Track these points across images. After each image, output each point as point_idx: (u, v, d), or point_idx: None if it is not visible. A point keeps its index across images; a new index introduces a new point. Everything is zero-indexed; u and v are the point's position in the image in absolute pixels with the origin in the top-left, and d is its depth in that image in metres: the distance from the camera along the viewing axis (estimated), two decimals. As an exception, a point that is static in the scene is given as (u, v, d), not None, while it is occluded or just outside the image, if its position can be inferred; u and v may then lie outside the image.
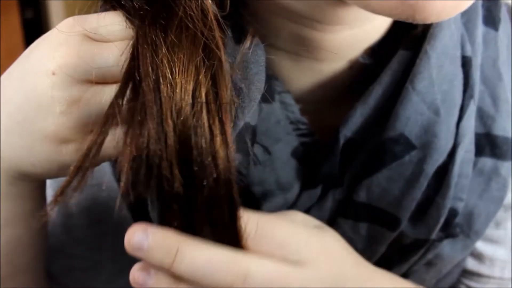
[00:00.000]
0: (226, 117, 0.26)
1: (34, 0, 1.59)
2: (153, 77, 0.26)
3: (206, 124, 0.26)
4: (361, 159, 0.34)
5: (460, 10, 0.24)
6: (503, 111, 0.35)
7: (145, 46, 0.26)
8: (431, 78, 0.32)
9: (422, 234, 0.34)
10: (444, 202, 0.33)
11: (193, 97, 0.26)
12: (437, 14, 0.23)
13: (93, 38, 0.28)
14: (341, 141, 0.33)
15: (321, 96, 0.35)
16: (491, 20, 0.35)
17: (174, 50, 0.26)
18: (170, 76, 0.26)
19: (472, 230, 0.36)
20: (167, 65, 0.26)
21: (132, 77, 0.26)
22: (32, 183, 0.31)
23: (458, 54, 0.33)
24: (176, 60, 0.26)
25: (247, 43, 0.30)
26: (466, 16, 0.34)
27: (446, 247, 0.36)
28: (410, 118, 0.32)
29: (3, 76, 0.30)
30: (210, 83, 0.27)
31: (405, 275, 0.38)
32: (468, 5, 0.24)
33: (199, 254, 0.26)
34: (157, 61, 0.26)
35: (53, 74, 0.27)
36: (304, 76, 0.34)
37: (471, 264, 0.40)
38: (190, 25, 0.27)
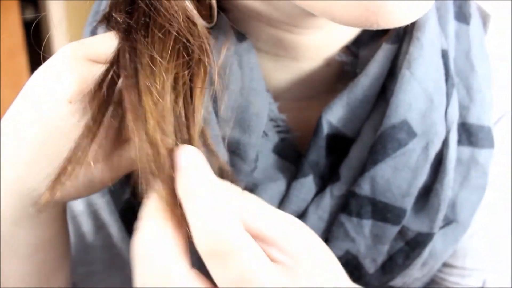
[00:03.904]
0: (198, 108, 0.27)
1: (34, 0, 1.60)
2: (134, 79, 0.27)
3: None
4: (357, 152, 0.34)
5: (422, 13, 0.25)
6: (477, 100, 0.35)
7: (127, 49, 0.27)
8: (426, 65, 0.33)
9: (425, 226, 0.34)
10: (443, 189, 0.34)
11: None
12: (400, 18, 0.24)
13: (96, 61, 0.29)
14: (324, 126, 0.34)
15: (300, 94, 0.36)
16: (462, 16, 0.36)
17: (154, 53, 0.27)
18: (150, 75, 0.26)
19: (459, 220, 0.36)
20: (147, 65, 0.27)
21: (115, 68, 0.27)
22: (57, 207, 0.32)
23: (439, 46, 0.34)
24: (157, 61, 0.27)
25: (226, 45, 0.30)
26: (438, 13, 0.35)
27: (438, 242, 0.36)
28: (411, 104, 0.32)
29: (9, 111, 0.30)
30: (188, 84, 0.27)
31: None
32: (429, 7, 0.25)
33: None
34: (138, 61, 0.27)
35: (70, 102, 0.28)
36: (283, 74, 0.35)
37: None
38: (173, 31, 0.27)
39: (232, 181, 0.29)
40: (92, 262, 0.41)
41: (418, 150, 0.33)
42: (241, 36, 0.32)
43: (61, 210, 0.33)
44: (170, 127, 0.26)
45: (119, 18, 0.29)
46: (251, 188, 0.34)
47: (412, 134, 0.32)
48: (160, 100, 0.26)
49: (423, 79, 0.33)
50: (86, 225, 0.41)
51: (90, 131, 0.27)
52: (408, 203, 0.33)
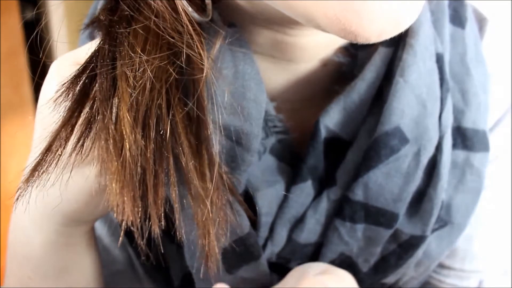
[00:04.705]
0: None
1: (34, 0, 1.59)
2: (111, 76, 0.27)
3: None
4: (353, 156, 0.34)
5: (400, 30, 0.25)
6: (472, 104, 0.36)
7: (107, 41, 0.28)
8: (419, 71, 0.33)
9: (418, 229, 0.35)
10: (436, 193, 0.34)
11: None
12: (377, 35, 0.24)
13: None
14: (322, 130, 0.34)
15: (296, 94, 0.36)
16: (458, 19, 0.36)
17: (136, 44, 0.27)
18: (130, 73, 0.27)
19: (454, 222, 0.36)
20: (126, 54, 0.27)
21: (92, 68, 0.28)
22: (79, 228, 0.33)
23: (433, 50, 0.34)
24: (137, 52, 0.27)
25: (217, 46, 0.30)
26: (434, 16, 0.35)
27: (433, 244, 0.36)
28: (404, 111, 0.33)
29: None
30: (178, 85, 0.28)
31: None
32: (408, 24, 0.25)
33: None
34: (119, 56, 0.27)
35: (54, 101, 0.28)
36: (279, 76, 0.35)
37: None
38: (154, 27, 0.27)
39: (231, 181, 0.29)
40: (112, 263, 0.42)
41: (410, 156, 0.33)
42: (233, 27, 0.32)
43: (85, 231, 0.33)
44: (144, 120, 0.26)
45: (102, 17, 0.29)
46: (251, 193, 0.34)
47: (404, 140, 0.33)
48: (137, 85, 0.26)
49: (416, 85, 0.33)
50: (101, 230, 0.41)
51: (67, 123, 0.28)
52: (401, 208, 0.34)
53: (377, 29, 0.24)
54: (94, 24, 0.31)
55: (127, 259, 0.41)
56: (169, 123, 0.26)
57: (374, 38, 0.24)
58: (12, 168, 1.44)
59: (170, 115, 0.27)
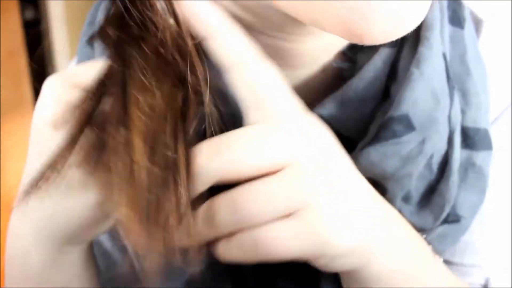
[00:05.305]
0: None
1: (34, 0, 1.59)
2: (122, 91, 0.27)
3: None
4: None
5: (406, 31, 0.25)
6: (473, 103, 0.36)
7: (117, 62, 0.28)
8: (434, 65, 0.33)
9: (428, 223, 0.35)
10: (448, 188, 0.34)
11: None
12: (384, 37, 0.24)
13: (79, 87, 0.29)
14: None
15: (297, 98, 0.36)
16: (457, 20, 0.37)
17: (147, 68, 0.27)
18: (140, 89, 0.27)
19: (459, 220, 0.36)
20: (138, 78, 0.27)
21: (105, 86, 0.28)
22: (77, 246, 0.32)
23: (441, 48, 0.34)
24: (149, 76, 0.27)
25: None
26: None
27: (435, 242, 0.36)
28: (416, 101, 0.32)
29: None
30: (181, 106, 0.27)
31: None
32: (414, 26, 0.25)
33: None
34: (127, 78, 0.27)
35: (54, 127, 0.28)
36: None
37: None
38: (161, 49, 0.28)
39: None
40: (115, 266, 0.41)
41: (413, 143, 0.33)
42: None
43: (83, 250, 0.33)
44: (153, 145, 0.26)
45: (110, 32, 0.29)
46: None
47: (410, 127, 0.33)
48: (150, 112, 0.26)
49: (431, 79, 0.33)
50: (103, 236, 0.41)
51: (70, 146, 0.27)
52: (394, 186, 0.33)
53: (383, 30, 0.24)
54: (100, 36, 0.30)
55: (128, 263, 0.41)
56: (178, 149, 0.26)
57: (380, 40, 0.24)
58: (12, 168, 1.44)
59: (179, 140, 0.27)
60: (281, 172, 0.27)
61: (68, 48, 1.50)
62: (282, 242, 0.26)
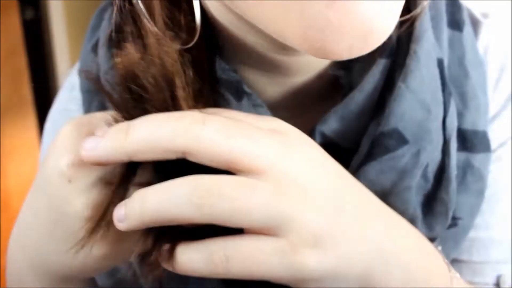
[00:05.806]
0: None
1: (34, 0, 1.60)
2: None
3: None
4: (357, 161, 0.34)
5: (373, 45, 0.24)
6: (472, 106, 0.36)
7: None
8: (422, 77, 0.33)
9: (436, 232, 0.35)
10: (449, 196, 0.34)
11: None
12: (348, 52, 0.24)
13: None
14: (317, 136, 0.34)
15: (293, 104, 0.37)
16: (456, 23, 0.37)
17: None
18: None
19: (458, 224, 0.36)
20: None
21: None
22: (77, 283, 0.33)
23: (434, 56, 0.34)
24: None
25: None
26: (433, 22, 0.35)
27: (438, 247, 0.36)
28: (405, 114, 0.33)
29: (31, 188, 0.31)
30: None
31: None
32: (381, 39, 0.24)
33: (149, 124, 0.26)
34: None
35: (69, 181, 0.28)
36: (275, 88, 0.36)
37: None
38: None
39: None
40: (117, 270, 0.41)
41: (407, 156, 0.33)
42: (240, 94, 0.32)
43: (84, 283, 0.34)
44: None
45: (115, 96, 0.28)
46: None
47: (402, 141, 0.33)
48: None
49: (420, 91, 0.33)
50: None
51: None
52: (391, 201, 0.33)
53: (345, 46, 0.23)
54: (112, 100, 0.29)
55: (130, 267, 0.41)
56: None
57: (345, 55, 0.24)
58: (12, 168, 1.44)
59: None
60: (261, 179, 0.25)
61: (68, 48, 1.50)
62: (258, 259, 0.24)
